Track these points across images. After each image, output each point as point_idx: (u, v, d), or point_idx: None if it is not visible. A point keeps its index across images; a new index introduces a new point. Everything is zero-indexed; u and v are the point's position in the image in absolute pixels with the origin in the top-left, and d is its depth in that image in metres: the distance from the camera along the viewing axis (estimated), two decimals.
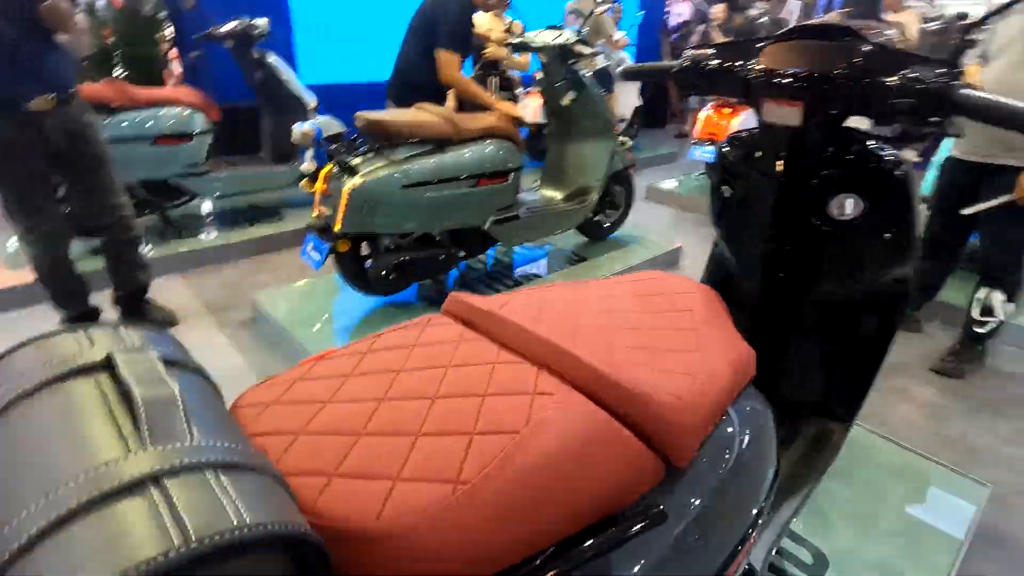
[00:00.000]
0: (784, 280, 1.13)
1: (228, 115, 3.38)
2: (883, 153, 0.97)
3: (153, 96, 3.00)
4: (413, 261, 2.32)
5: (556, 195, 2.90)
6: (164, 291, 2.64)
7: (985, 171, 2.03)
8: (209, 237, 3.22)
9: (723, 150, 1.14)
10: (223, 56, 3.61)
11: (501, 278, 2.81)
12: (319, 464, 0.51)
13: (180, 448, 0.38)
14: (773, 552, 1.04)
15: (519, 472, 0.50)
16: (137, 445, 0.38)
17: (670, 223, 4.08)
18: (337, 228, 2.11)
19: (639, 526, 0.55)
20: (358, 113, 2.18)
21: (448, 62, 2.63)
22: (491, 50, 3.21)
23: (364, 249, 2.35)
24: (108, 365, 0.45)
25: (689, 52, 1.11)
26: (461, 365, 0.62)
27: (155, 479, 0.36)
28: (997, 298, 2.13)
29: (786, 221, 1.07)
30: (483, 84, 3.44)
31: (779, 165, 1.03)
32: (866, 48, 0.90)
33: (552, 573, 0.50)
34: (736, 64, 1.03)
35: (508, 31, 3.26)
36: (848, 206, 0.99)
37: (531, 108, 4.50)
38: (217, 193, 3.33)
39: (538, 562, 0.51)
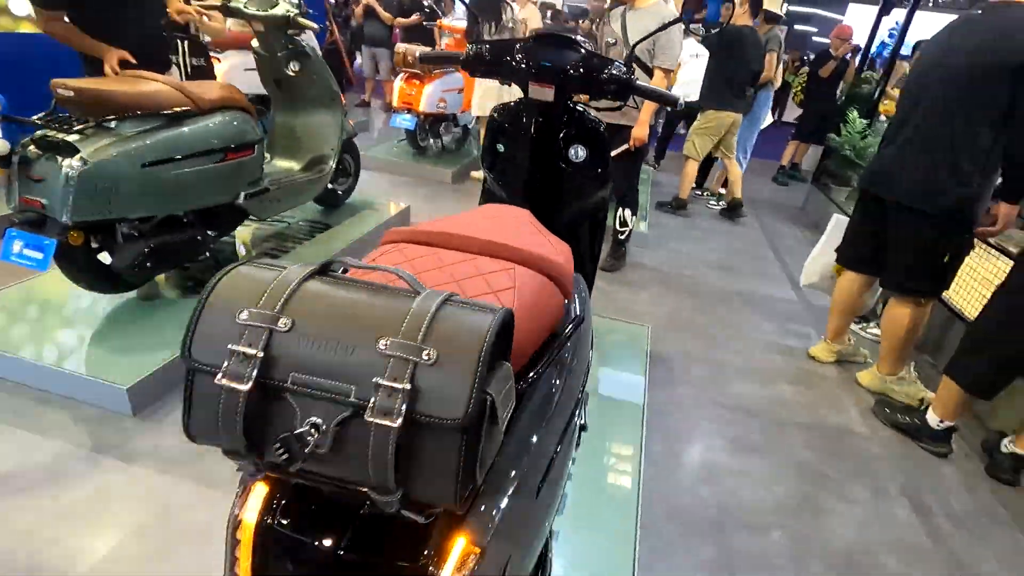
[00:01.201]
0: (542, 205, 1.66)
1: None
2: (593, 118, 1.56)
3: None
4: (165, 247, 2.13)
5: (294, 165, 2.92)
6: None
7: (612, 129, 3.02)
8: None
9: (496, 116, 1.58)
10: None
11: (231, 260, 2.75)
12: None
13: (437, 291, 0.61)
14: None
15: (522, 305, 0.84)
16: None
17: (388, 187, 4.44)
18: (64, 219, 1.80)
19: (576, 327, 0.97)
20: (58, 81, 1.85)
21: (37, 18, 2.32)
22: (176, 6, 2.88)
23: (93, 241, 2.04)
24: (322, 271, 0.64)
25: (471, 47, 1.50)
26: (450, 264, 0.90)
27: (447, 300, 0.60)
28: (628, 214, 3.23)
29: (541, 165, 1.58)
30: (173, 49, 3.06)
31: (534, 127, 1.53)
32: (584, 52, 1.44)
33: (541, 363, 0.88)
34: (506, 57, 1.47)
35: None
36: (579, 153, 1.56)
37: (221, 75, 4.14)
38: None
39: (534, 357, 0.88)
